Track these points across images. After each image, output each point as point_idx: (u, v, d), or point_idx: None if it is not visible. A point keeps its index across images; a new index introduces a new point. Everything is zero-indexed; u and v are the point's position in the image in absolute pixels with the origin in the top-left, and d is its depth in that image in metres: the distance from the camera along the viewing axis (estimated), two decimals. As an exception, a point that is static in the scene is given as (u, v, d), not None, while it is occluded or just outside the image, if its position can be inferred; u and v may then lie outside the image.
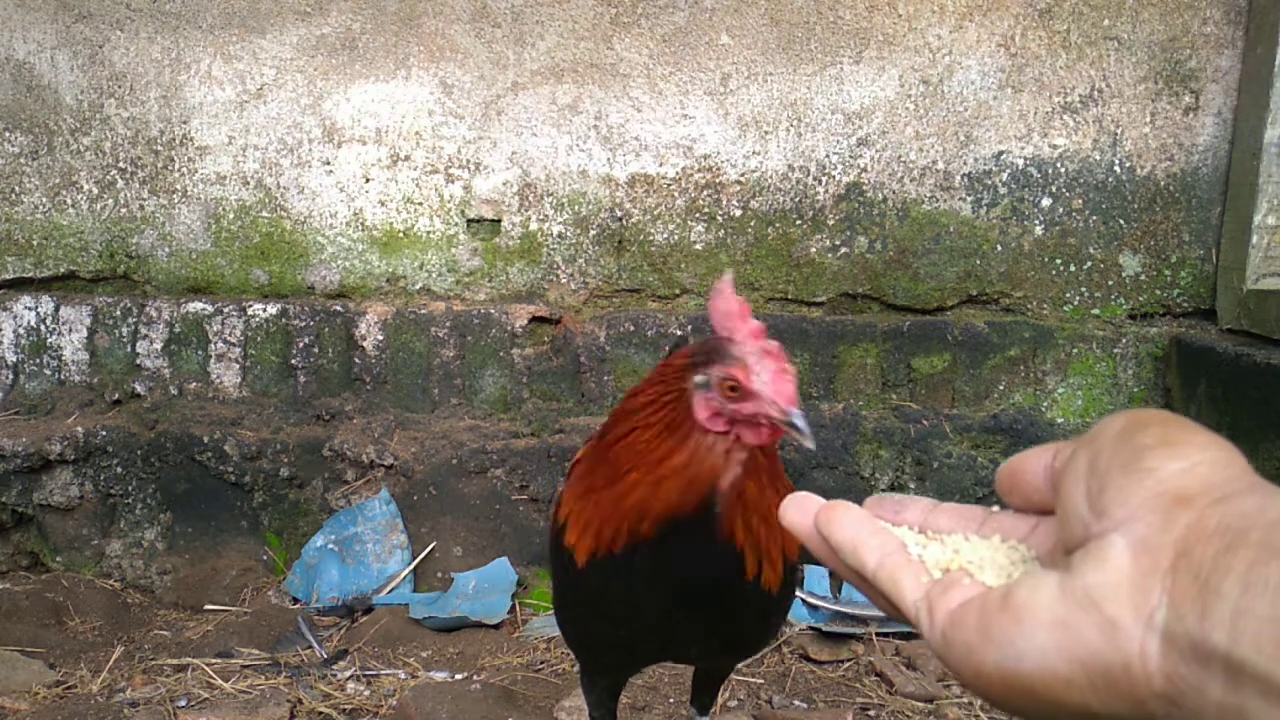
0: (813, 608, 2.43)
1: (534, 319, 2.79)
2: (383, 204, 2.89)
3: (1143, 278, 2.77)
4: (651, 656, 1.34)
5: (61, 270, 2.94)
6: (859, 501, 0.62)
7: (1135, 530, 0.43)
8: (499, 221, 2.88)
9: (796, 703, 2.12)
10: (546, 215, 2.86)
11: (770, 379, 0.96)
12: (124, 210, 2.92)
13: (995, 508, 0.59)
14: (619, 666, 1.33)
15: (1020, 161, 2.75)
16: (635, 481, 1.04)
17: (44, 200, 2.92)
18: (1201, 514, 0.41)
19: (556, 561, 1.22)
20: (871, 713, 2.07)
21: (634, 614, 1.13)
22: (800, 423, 0.94)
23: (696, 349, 1.04)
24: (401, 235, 2.90)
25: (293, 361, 2.80)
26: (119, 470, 2.68)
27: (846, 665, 2.28)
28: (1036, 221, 2.77)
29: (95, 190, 2.91)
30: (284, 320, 2.80)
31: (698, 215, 2.83)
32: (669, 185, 2.83)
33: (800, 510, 0.61)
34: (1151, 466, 0.44)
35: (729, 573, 1.08)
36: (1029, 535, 0.55)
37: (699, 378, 1.01)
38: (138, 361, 2.82)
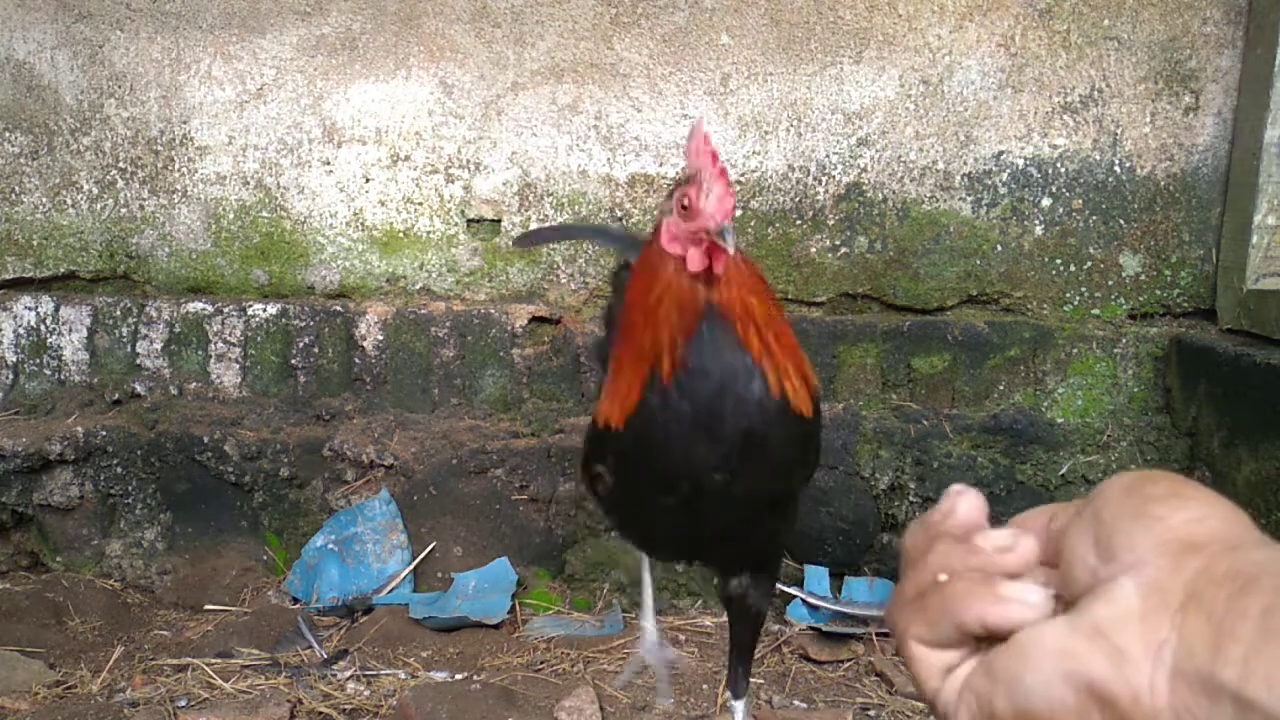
0: (813, 608, 2.43)
1: (534, 319, 2.79)
2: (383, 204, 2.89)
3: (1143, 278, 2.77)
4: (698, 517, 1.30)
5: (61, 270, 2.94)
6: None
7: (1144, 573, 0.43)
8: (499, 221, 2.88)
9: (796, 703, 2.12)
10: (547, 215, 2.86)
11: (715, 197, 1.10)
12: (124, 210, 2.92)
13: None
14: (666, 538, 1.40)
15: (1020, 161, 2.75)
16: (641, 330, 1.16)
17: (44, 200, 2.92)
18: (1211, 560, 0.42)
19: (598, 452, 1.31)
20: (871, 713, 2.08)
21: (676, 459, 1.17)
22: (729, 237, 1.08)
23: (672, 186, 1.17)
24: (401, 235, 2.90)
25: (293, 361, 2.80)
26: (119, 470, 2.68)
27: (846, 665, 2.28)
28: (1036, 221, 2.77)
29: (95, 190, 2.91)
30: (284, 320, 2.80)
31: (698, 215, 2.83)
32: (669, 185, 2.82)
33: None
34: (1161, 514, 0.45)
35: (757, 391, 1.14)
36: None
37: (667, 203, 1.16)
38: (138, 361, 2.82)
